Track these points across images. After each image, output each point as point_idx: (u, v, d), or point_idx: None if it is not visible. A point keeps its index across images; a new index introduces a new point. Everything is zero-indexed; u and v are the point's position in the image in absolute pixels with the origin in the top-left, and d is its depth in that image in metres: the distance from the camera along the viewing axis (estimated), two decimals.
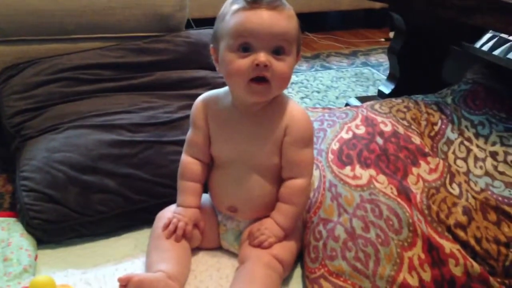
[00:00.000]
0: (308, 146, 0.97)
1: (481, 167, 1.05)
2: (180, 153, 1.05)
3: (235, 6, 0.89)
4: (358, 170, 1.02)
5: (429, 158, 1.06)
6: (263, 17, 0.86)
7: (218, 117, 0.99)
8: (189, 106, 1.05)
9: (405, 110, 1.18)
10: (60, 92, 1.32)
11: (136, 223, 1.11)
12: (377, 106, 1.19)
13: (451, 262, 0.89)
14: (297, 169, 0.96)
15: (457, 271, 0.89)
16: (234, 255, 1.03)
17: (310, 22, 2.49)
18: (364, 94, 1.95)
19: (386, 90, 1.63)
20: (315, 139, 1.10)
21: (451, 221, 0.95)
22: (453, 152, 1.10)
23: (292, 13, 0.91)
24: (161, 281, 0.87)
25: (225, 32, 0.89)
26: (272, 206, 0.99)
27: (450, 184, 1.02)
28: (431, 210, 0.96)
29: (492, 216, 0.96)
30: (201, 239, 1.03)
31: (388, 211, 0.94)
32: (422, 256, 0.90)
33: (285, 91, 0.98)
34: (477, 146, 1.08)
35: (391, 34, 2.48)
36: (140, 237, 1.08)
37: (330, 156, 1.08)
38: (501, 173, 1.02)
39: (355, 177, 1.01)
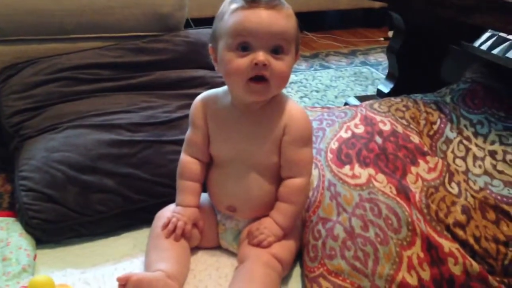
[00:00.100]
0: (307, 145, 0.97)
1: (480, 166, 1.05)
2: (179, 152, 1.05)
3: (234, 6, 0.89)
4: (357, 169, 1.02)
5: (428, 157, 1.06)
6: (261, 16, 0.86)
7: (217, 116, 0.99)
8: (188, 106, 1.04)
9: (404, 109, 1.18)
10: (59, 91, 1.32)
11: (135, 223, 1.11)
12: (376, 105, 1.19)
13: (450, 261, 0.89)
14: (296, 168, 0.96)
15: (456, 270, 0.89)
16: (233, 254, 1.03)
17: (309, 21, 2.49)
18: (363, 94, 1.95)
19: (385, 89, 1.63)
20: (314, 138, 1.10)
21: (450, 220, 0.95)
22: (452, 151, 1.10)
23: (290, 12, 0.91)
24: (160, 280, 0.87)
25: (224, 32, 0.89)
26: (271, 205, 0.99)
27: (449, 183, 1.02)
28: (430, 209, 0.96)
29: (491, 215, 0.97)
30: (200, 238, 1.03)
31: (387, 210, 0.94)
32: (421, 255, 0.90)
33: (284, 91, 0.98)
34: (476, 145, 1.09)
35: (390, 34, 2.48)
36: (139, 236, 1.08)
37: (329, 155, 1.08)
38: (500, 172, 1.02)
39: (354, 176, 1.01)
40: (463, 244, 0.92)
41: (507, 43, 1.32)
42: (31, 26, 1.41)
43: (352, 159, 1.05)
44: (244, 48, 0.87)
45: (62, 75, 1.35)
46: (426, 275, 0.88)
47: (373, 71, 2.23)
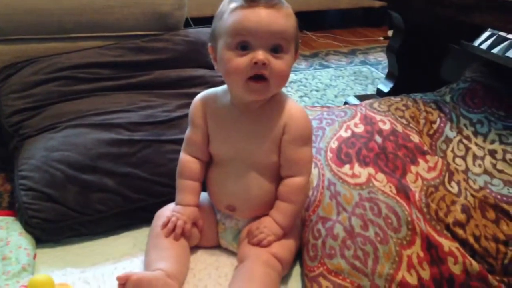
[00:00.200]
0: (306, 144, 0.97)
1: (479, 165, 1.05)
2: (178, 151, 1.05)
3: (233, 5, 0.89)
4: (357, 168, 1.02)
5: (427, 157, 1.06)
6: (261, 15, 0.86)
7: (216, 115, 0.99)
8: (188, 105, 1.04)
9: (403, 108, 1.18)
10: (58, 91, 1.32)
11: (135, 222, 1.11)
12: (375, 105, 1.19)
13: (450, 260, 0.89)
14: (295, 167, 0.96)
15: (456, 269, 0.89)
16: (233, 253, 1.03)
17: (309, 20, 2.49)
18: (363, 93, 1.95)
19: (385, 88, 1.63)
20: (314, 138, 1.10)
21: (450, 219, 0.95)
22: (452, 150, 1.10)
23: (290, 11, 0.91)
24: (160, 279, 0.87)
25: (223, 31, 0.89)
26: (271, 205, 0.99)
27: (449, 182, 1.02)
28: (430, 208, 0.96)
29: (491, 214, 0.96)
30: (200, 237, 1.03)
31: (387, 209, 0.94)
32: (421, 254, 0.90)
33: (284, 90, 0.98)
34: (476, 144, 1.09)
35: (390, 33, 2.48)
36: (138, 236, 1.08)
37: (329, 154, 1.08)
38: (500, 171, 1.02)
39: (354, 175, 1.01)
40: (463, 243, 0.92)
41: (506, 42, 1.32)
42: (30, 25, 1.41)
43: (352, 158, 1.04)
44: (244, 47, 0.87)
45: (62, 75, 1.35)
46: (426, 274, 0.88)
47: (373, 71, 2.23)
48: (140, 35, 1.50)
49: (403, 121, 1.14)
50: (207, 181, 1.04)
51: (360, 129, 1.11)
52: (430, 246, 0.90)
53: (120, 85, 1.37)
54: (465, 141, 1.10)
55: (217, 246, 1.05)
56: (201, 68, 1.45)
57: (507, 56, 1.30)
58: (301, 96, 1.92)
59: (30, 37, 1.43)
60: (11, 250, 0.99)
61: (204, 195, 1.06)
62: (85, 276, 0.97)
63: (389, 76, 1.66)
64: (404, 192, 0.97)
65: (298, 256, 1.01)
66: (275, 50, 0.88)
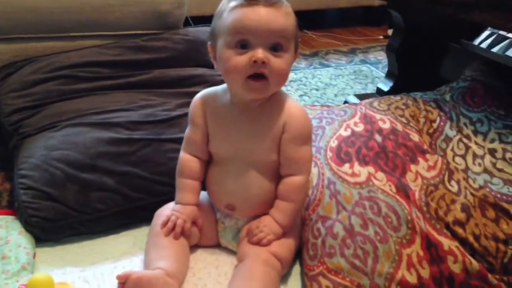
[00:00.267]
0: (306, 143, 0.97)
1: (479, 164, 1.05)
2: (178, 150, 1.05)
3: (233, 3, 0.88)
4: (357, 167, 1.02)
5: (427, 155, 1.06)
6: (260, 14, 0.86)
7: (216, 114, 0.99)
8: (187, 104, 1.04)
9: (403, 107, 1.18)
10: (58, 90, 1.32)
11: (135, 221, 1.11)
12: (375, 104, 1.19)
13: (449, 259, 0.89)
14: (295, 166, 0.96)
15: (456, 268, 0.89)
16: (232, 252, 1.03)
17: (308, 19, 2.48)
18: (362, 92, 1.95)
19: (385, 87, 1.63)
20: (313, 137, 1.10)
21: (449, 218, 0.95)
22: (452, 149, 1.10)
23: (289, 10, 0.90)
24: (160, 278, 0.87)
25: (223, 29, 0.89)
26: (271, 204, 0.98)
27: (449, 181, 1.02)
28: (429, 207, 0.96)
29: (491, 213, 0.96)
30: (200, 236, 1.03)
31: (387, 208, 0.94)
32: (421, 253, 0.90)
33: (284, 89, 0.98)
34: (476, 143, 1.08)
35: (390, 32, 2.48)
36: (138, 235, 1.08)
37: (329, 153, 1.08)
38: (500, 170, 1.02)
39: (353, 174, 1.01)
40: (463, 242, 0.92)
41: (506, 41, 1.32)
42: (30, 24, 1.41)
43: (351, 157, 1.04)
44: (243, 45, 0.87)
45: (61, 73, 1.35)
46: (425, 273, 0.88)
47: (372, 70, 2.23)
48: (140, 34, 1.50)
49: (403, 120, 1.14)
50: (207, 180, 1.04)
51: (360, 128, 1.11)
52: (430, 245, 0.90)
53: (119, 84, 1.37)
54: (465, 140, 1.10)
55: (217, 245, 1.05)
56: (200, 67, 1.45)
57: (507, 55, 1.30)
58: (301, 95, 1.92)
59: (29, 36, 1.43)
60: (10, 249, 0.99)
61: (203, 194, 1.06)
62: (84, 275, 0.96)
63: (389, 75, 1.66)
64: (404, 191, 0.97)
65: (298, 255, 1.01)
66: (275, 48, 0.88)
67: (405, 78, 1.60)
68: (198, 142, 1.01)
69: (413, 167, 1.03)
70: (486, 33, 1.40)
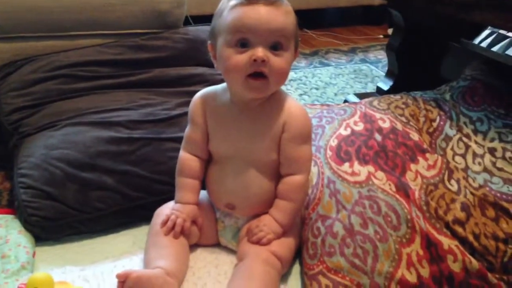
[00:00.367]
0: (306, 142, 0.97)
1: (479, 163, 1.05)
2: (178, 150, 1.05)
3: (233, 2, 0.88)
4: (357, 166, 1.02)
5: (427, 155, 1.06)
6: (260, 13, 0.86)
7: (216, 113, 0.99)
8: (187, 103, 1.04)
9: (403, 106, 1.18)
10: (57, 89, 1.32)
11: (134, 220, 1.11)
12: (375, 103, 1.19)
13: (449, 258, 0.89)
14: (295, 166, 0.96)
15: (456, 267, 0.89)
16: (232, 251, 1.03)
17: (308, 19, 2.48)
18: (362, 91, 1.95)
19: (385, 86, 1.63)
20: (313, 136, 1.10)
21: (449, 217, 0.95)
22: (452, 149, 1.10)
23: (289, 9, 0.90)
24: (159, 277, 0.87)
25: (223, 28, 0.89)
26: (270, 203, 0.98)
27: (449, 180, 1.02)
28: (429, 206, 0.96)
29: (491, 212, 0.96)
30: (199, 235, 1.03)
31: (387, 207, 0.94)
32: (421, 252, 0.90)
33: (284, 88, 0.98)
34: (476, 142, 1.08)
35: (390, 31, 2.48)
36: (138, 234, 1.08)
37: (329, 152, 1.08)
38: (500, 169, 1.02)
39: (353, 173, 1.01)
40: (463, 241, 0.92)
41: (507, 41, 1.32)
42: (29, 23, 1.41)
43: (351, 157, 1.04)
44: (243, 44, 0.87)
45: (61, 73, 1.35)
46: (425, 272, 0.88)
47: (372, 69, 2.23)
48: (140, 33, 1.50)
49: (403, 119, 1.14)
50: (207, 179, 1.04)
51: (359, 127, 1.10)
52: (429, 244, 0.90)
53: (119, 83, 1.37)
54: (464, 139, 1.10)
55: (217, 244, 1.05)
56: (200, 66, 1.45)
57: (507, 54, 1.30)
58: (301, 94, 1.92)
59: (29, 35, 1.43)
60: (10, 248, 0.99)
61: (203, 193, 1.06)
62: (84, 274, 0.96)
63: (389, 74, 1.66)
64: (403, 190, 0.97)
65: (298, 254, 1.01)
66: (275, 47, 0.88)
67: (405, 77, 1.60)
68: (198, 141, 1.01)
69: (413, 166, 1.03)
70: (486, 32, 1.40)
